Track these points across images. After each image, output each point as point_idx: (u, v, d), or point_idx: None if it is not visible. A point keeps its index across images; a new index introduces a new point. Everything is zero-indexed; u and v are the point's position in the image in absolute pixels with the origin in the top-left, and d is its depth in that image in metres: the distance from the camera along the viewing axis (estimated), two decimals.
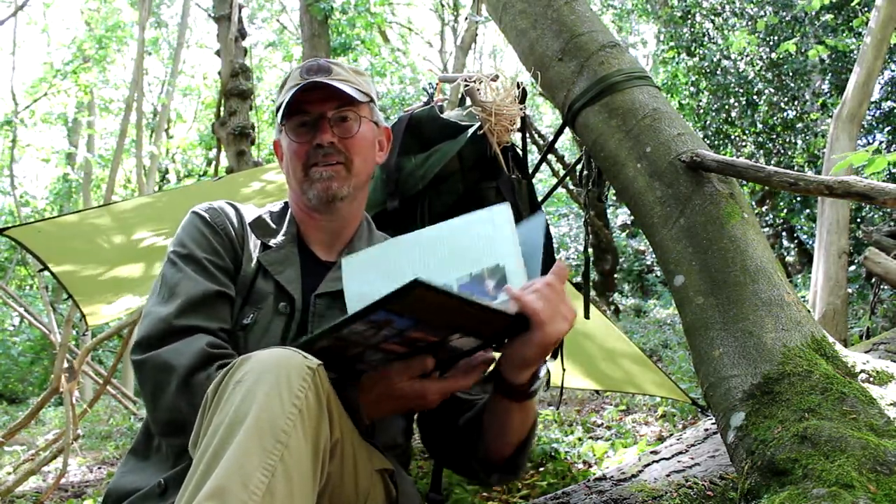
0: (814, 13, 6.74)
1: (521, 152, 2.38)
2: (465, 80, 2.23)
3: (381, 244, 1.35)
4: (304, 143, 1.37)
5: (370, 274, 1.26)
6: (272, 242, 1.40)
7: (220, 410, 0.97)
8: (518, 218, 2.08)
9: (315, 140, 1.36)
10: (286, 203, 1.51)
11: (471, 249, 1.23)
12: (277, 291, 1.34)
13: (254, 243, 1.39)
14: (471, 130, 2.13)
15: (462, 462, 1.44)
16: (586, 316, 2.52)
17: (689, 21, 7.78)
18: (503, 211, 1.26)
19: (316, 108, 1.36)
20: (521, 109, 2.19)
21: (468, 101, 2.26)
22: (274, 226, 1.44)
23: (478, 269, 1.21)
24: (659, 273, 12.21)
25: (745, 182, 2.11)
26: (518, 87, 2.35)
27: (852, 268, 5.35)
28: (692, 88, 7.52)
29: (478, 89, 2.18)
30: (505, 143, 2.16)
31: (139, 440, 1.34)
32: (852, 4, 6.64)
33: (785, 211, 7.58)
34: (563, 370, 2.62)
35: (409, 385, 1.14)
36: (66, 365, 4.01)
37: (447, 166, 2.13)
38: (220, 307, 1.30)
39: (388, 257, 1.27)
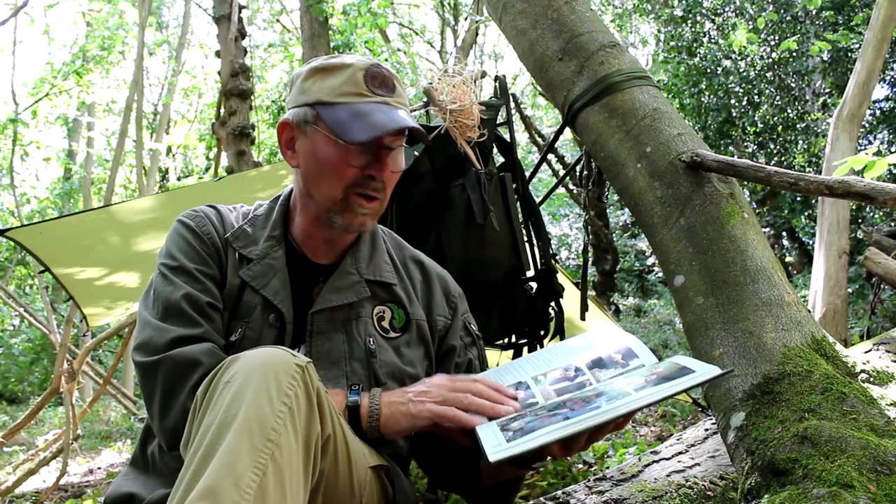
0: (815, 11, 6.74)
1: (509, 144, 2.40)
2: (424, 81, 2.26)
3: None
4: (356, 167, 1.27)
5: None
6: (253, 254, 1.33)
7: (210, 411, 0.97)
8: (485, 210, 2.09)
9: (371, 170, 1.27)
10: (274, 200, 1.43)
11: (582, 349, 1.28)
12: (265, 304, 1.30)
13: (236, 255, 1.33)
14: (435, 132, 2.16)
15: (457, 484, 1.42)
16: (582, 317, 2.53)
17: (690, 21, 7.78)
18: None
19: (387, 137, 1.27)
20: (474, 104, 2.19)
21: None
22: (255, 233, 1.37)
23: (606, 353, 1.24)
24: (659, 273, 12.20)
25: (745, 182, 2.10)
26: (496, 80, 2.37)
27: (852, 268, 5.35)
28: (693, 88, 7.52)
29: (436, 89, 2.19)
30: (470, 139, 2.17)
31: (137, 452, 1.33)
32: (851, 2, 6.64)
33: (786, 211, 7.58)
34: None
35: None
36: (66, 365, 4.01)
37: (418, 167, 2.15)
38: (216, 318, 1.27)
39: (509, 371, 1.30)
